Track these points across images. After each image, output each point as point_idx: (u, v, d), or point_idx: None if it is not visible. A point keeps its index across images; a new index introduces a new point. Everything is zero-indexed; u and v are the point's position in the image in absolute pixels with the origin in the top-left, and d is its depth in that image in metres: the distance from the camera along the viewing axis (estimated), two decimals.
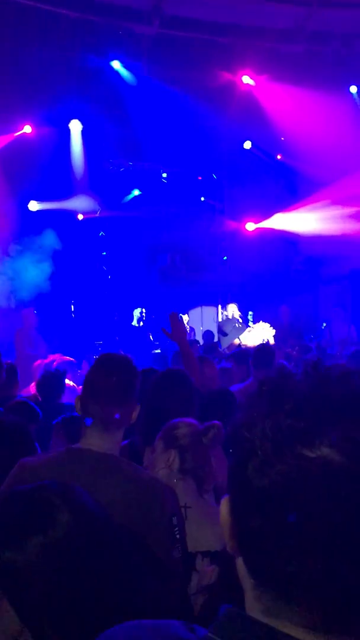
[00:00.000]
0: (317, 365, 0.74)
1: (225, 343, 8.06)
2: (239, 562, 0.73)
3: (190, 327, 7.51)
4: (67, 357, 6.16)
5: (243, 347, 7.16)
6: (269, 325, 8.38)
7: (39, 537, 1.09)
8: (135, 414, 2.04)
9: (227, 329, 8.30)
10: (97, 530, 1.17)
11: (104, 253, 11.17)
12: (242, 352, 5.74)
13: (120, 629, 0.77)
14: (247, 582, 0.72)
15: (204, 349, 8.24)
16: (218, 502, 2.29)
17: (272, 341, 8.05)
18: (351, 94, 10.72)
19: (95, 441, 1.95)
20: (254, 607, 0.71)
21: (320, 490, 0.64)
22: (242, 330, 9.04)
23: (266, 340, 8.26)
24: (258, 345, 5.47)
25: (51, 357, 6.09)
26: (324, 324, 10.89)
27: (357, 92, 10.69)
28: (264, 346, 5.28)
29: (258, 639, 0.67)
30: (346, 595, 0.65)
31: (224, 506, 0.74)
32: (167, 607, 1.25)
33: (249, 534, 0.69)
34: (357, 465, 0.64)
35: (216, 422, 2.42)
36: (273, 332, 8.12)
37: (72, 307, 10.58)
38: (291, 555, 0.65)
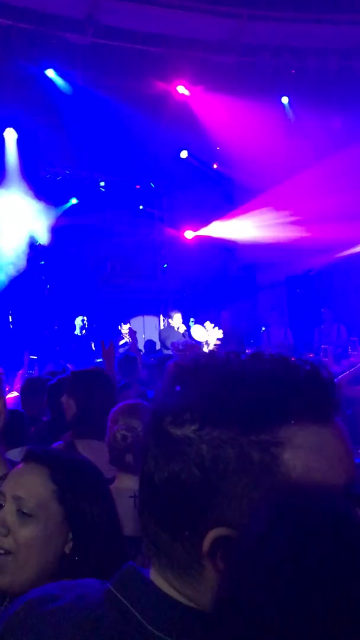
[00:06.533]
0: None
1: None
2: None
3: (132, 331, 7.56)
4: None
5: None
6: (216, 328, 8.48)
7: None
8: None
9: (167, 342, 8.33)
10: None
11: (42, 262, 11.05)
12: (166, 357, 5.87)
13: (45, 588, 0.83)
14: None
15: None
16: None
17: (213, 342, 8.21)
18: (283, 104, 11.04)
19: None
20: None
21: None
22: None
23: (208, 342, 8.40)
24: (122, 354, 5.73)
25: None
26: (263, 328, 11.15)
27: (289, 102, 11.02)
28: (127, 355, 5.52)
29: (147, 597, 0.74)
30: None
31: None
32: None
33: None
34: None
35: None
36: (218, 333, 8.24)
37: (10, 317, 10.40)
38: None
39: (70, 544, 1.30)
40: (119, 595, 0.76)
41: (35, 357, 8.26)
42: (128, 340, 8.23)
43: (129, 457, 2.39)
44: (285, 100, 11.02)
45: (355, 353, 7.11)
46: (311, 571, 0.53)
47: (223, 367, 0.74)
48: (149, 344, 10.77)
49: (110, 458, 2.44)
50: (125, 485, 2.26)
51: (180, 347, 5.88)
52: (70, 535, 1.31)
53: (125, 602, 0.75)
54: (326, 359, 7.33)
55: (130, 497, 2.17)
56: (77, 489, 1.33)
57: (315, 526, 0.56)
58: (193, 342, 6.05)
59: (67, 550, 1.29)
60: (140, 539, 0.76)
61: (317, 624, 0.52)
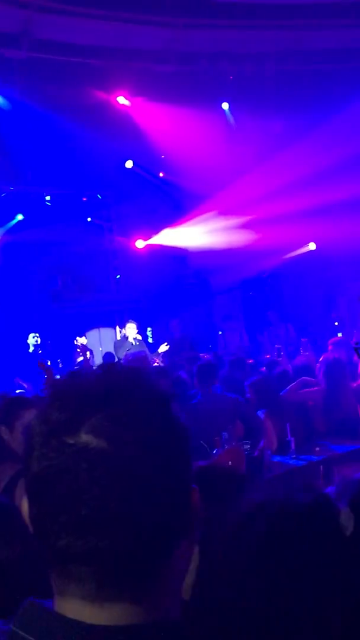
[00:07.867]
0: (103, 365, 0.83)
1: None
2: None
3: (84, 347, 7.46)
4: None
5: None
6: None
7: None
8: None
9: (119, 353, 8.26)
10: None
11: None
12: None
13: None
14: None
15: None
16: None
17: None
18: (223, 110, 11.15)
19: None
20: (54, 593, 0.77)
21: (81, 473, 0.71)
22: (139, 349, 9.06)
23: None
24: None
25: None
26: (220, 332, 11.20)
27: (229, 108, 11.14)
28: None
29: (50, 629, 0.73)
30: (114, 565, 0.72)
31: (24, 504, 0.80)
32: None
33: (33, 519, 0.76)
34: (113, 446, 0.72)
35: None
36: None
37: None
38: (61, 531, 0.72)
39: None
40: (22, 634, 0.74)
41: None
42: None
43: None
44: (225, 106, 11.13)
45: (307, 354, 7.23)
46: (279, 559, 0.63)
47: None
48: (108, 356, 10.65)
49: None
50: None
51: (130, 357, 5.85)
52: None
53: (31, 638, 0.74)
54: (280, 358, 7.43)
55: None
56: None
57: (281, 523, 0.65)
58: (142, 352, 6.03)
59: None
60: None
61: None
